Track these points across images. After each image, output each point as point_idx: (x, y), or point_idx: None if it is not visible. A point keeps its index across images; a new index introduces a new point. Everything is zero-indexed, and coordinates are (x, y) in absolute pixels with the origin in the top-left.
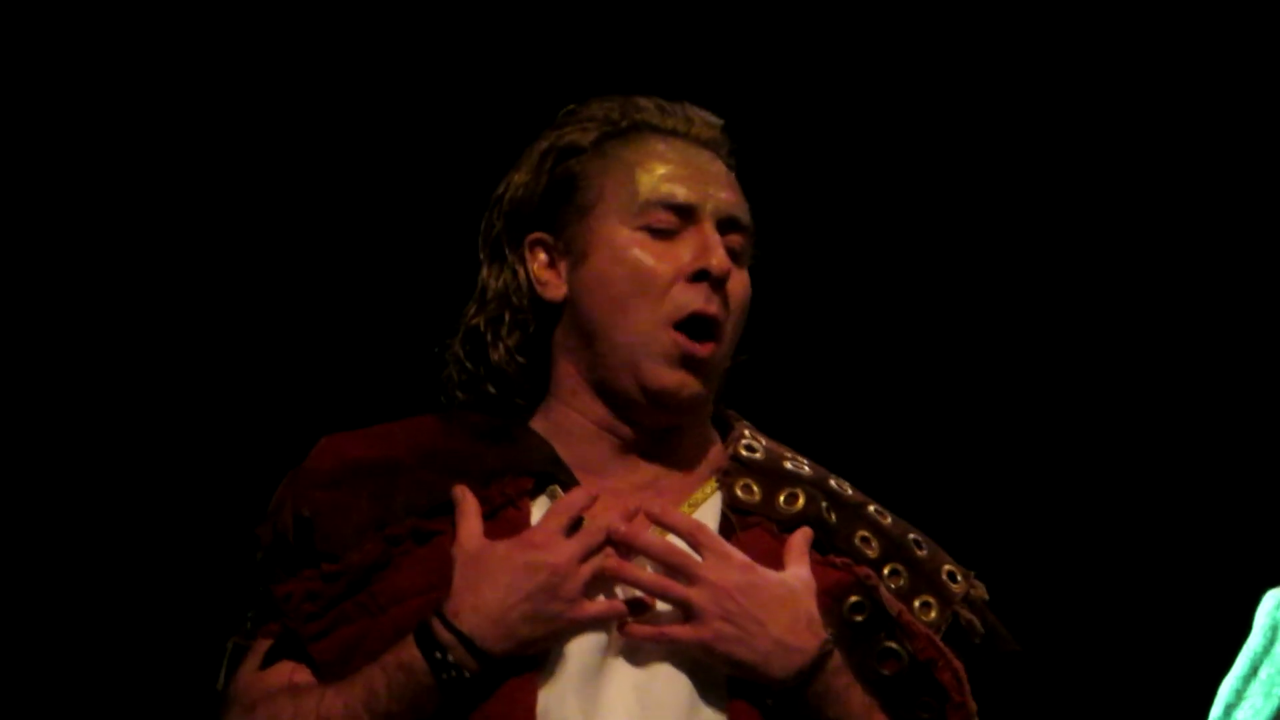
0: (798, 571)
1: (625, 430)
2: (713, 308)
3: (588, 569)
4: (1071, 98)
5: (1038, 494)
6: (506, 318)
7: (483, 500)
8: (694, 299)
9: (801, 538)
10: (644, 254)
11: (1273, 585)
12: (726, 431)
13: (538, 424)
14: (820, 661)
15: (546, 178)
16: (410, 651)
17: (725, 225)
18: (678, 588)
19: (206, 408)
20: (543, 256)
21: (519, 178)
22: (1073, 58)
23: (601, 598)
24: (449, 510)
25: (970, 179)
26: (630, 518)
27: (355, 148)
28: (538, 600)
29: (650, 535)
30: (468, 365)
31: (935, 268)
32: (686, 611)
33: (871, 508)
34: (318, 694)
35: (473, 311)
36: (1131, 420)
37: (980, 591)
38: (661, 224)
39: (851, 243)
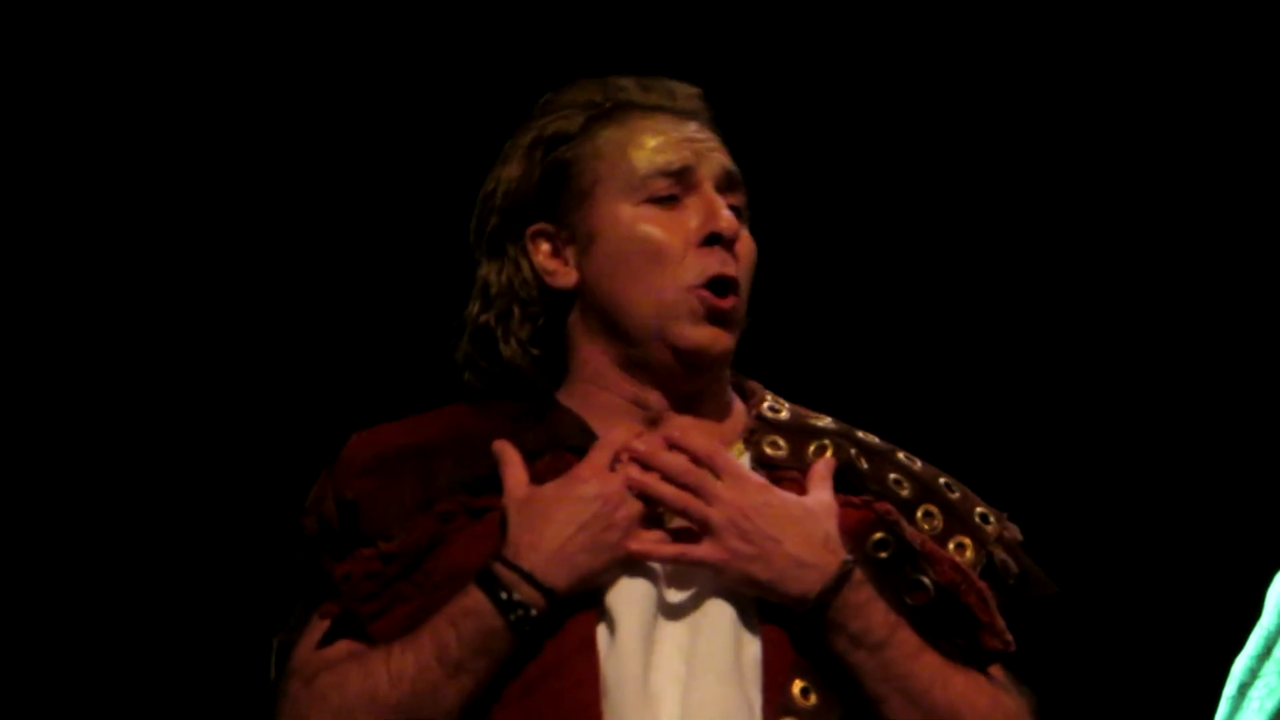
0: (819, 496)
1: (653, 400)
2: (730, 269)
3: (637, 500)
4: (1066, 75)
5: (1063, 472)
6: (515, 312)
7: (532, 478)
8: (711, 263)
9: (824, 465)
10: (652, 227)
11: None
12: (745, 397)
13: (565, 402)
14: (841, 579)
15: (539, 169)
16: (475, 596)
17: (724, 184)
18: (697, 504)
19: (221, 414)
20: (546, 246)
21: (509, 172)
22: (1069, 44)
23: (657, 531)
24: (496, 486)
25: (969, 144)
26: (647, 434)
27: (350, 146)
28: (593, 529)
29: (669, 455)
30: (481, 364)
31: (938, 232)
32: (703, 529)
33: (900, 454)
34: (384, 654)
35: (477, 310)
36: (1159, 397)
37: (1014, 533)
38: (663, 191)
39: (851, 209)
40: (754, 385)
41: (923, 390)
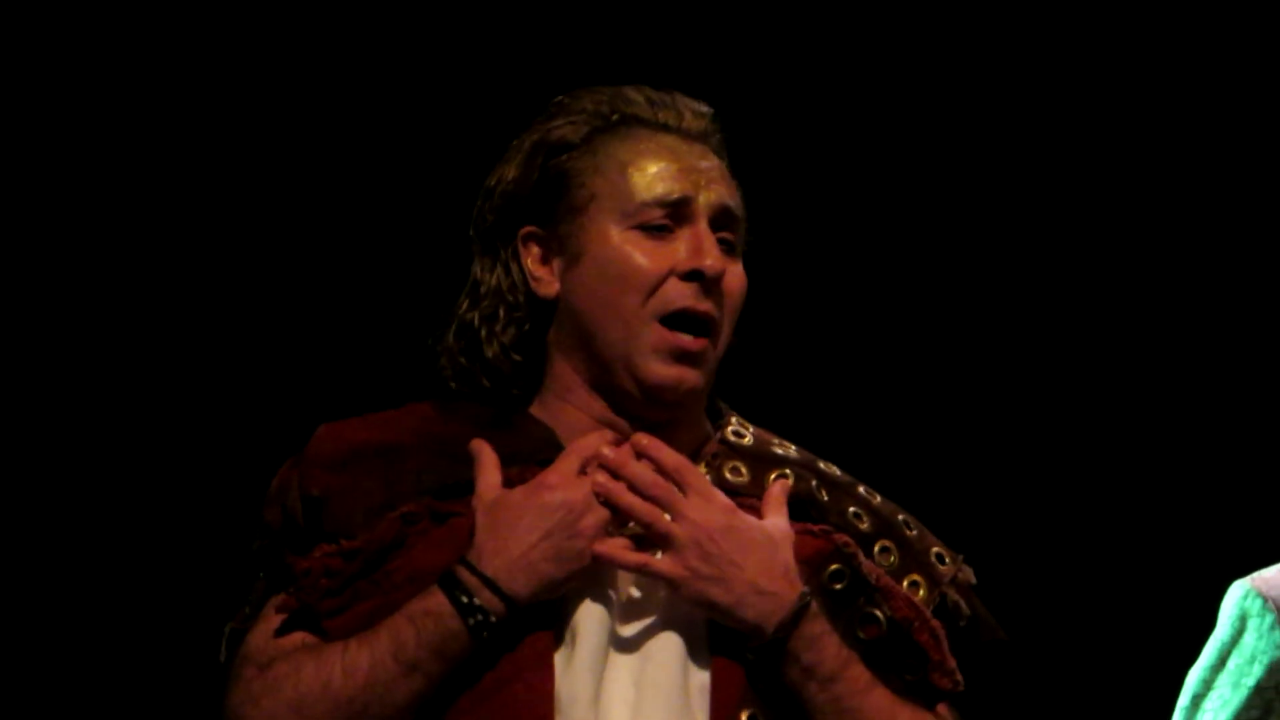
0: (777, 522)
1: (623, 424)
2: (704, 306)
3: (604, 508)
4: (1062, 84)
5: (1007, 482)
6: (501, 314)
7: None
8: (683, 296)
9: (779, 489)
10: (636, 253)
11: (1238, 576)
12: (714, 418)
13: (536, 414)
14: (799, 611)
15: (538, 173)
16: (436, 598)
17: (719, 220)
18: (661, 518)
19: (187, 402)
20: (536, 250)
21: (510, 171)
22: (1066, 45)
23: (620, 538)
24: (462, 492)
25: (956, 165)
26: (618, 444)
27: (342, 140)
28: (557, 538)
29: (638, 465)
30: (461, 361)
31: (919, 256)
32: (664, 544)
33: (861, 488)
34: (339, 648)
35: (466, 306)
36: (1100, 415)
37: (968, 575)
38: (655, 221)
39: (832, 232)
40: (721, 406)
41: (886, 425)
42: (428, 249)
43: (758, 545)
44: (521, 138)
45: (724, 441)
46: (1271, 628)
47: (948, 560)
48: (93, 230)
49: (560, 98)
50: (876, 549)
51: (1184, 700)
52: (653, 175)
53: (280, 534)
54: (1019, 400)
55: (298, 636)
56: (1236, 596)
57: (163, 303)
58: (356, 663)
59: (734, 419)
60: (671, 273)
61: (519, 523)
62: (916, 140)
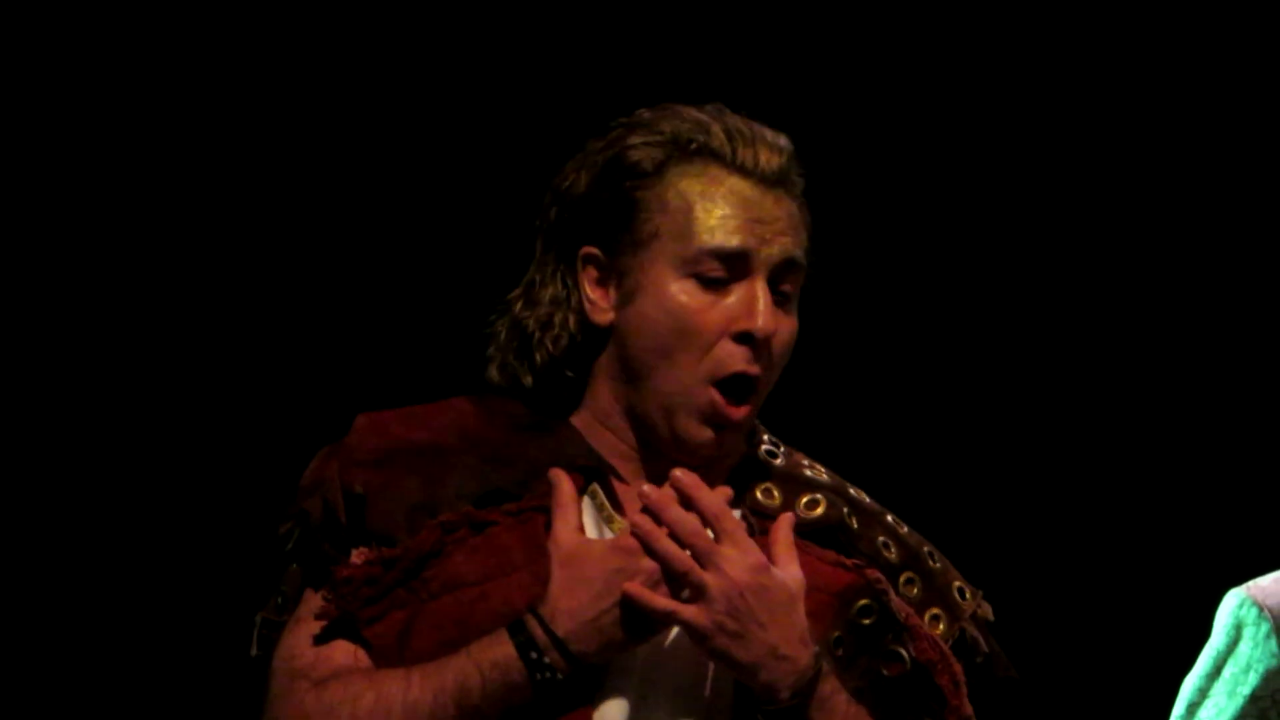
0: (794, 572)
1: (656, 455)
2: (754, 369)
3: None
4: (1060, 94)
5: (995, 499)
6: (556, 323)
7: (537, 495)
8: (736, 359)
9: (786, 529)
10: (691, 304)
11: (1232, 585)
12: (750, 437)
13: (576, 425)
14: (815, 676)
15: (607, 195)
16: (505, 649)
17: (778, 272)
18: (697, 570)
19: (208, 396)
20: (594, 273)
21: (582, 181)
22: (1066, 53)
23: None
24: (499, 499)
25: (961, 187)
26: (659, 490)
27: (359, 136)
28: (631, 603)
29: (678, 511)
30: (510, 360)
31: (927, 283)
32: (696, 594)
33: (889, 517)
34: (403, 680)
35: (521, 304)
36: (1091, 424)
37: (986, 611)
38: (712, 273)
39: (847, 255)
40: (758, 426)
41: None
42: (455, 240)
43: (782, 608)
44: (597, 144)
45: (756, 460)
46: (1267, 636)
47: (968, 595)
48: (106, 225)
49: (643, 111)
50: (901, 580)
51: (1179, 709)
52: (717, 223)
53: (321, 527)
54: (1014, 409)
55: (344, 648)
56: (1232, 605)
57: (173, 296)
58: (419, 701)
59: (766, 436)
60: (724, 330)
61: (595, 584)
62: (918, 157)
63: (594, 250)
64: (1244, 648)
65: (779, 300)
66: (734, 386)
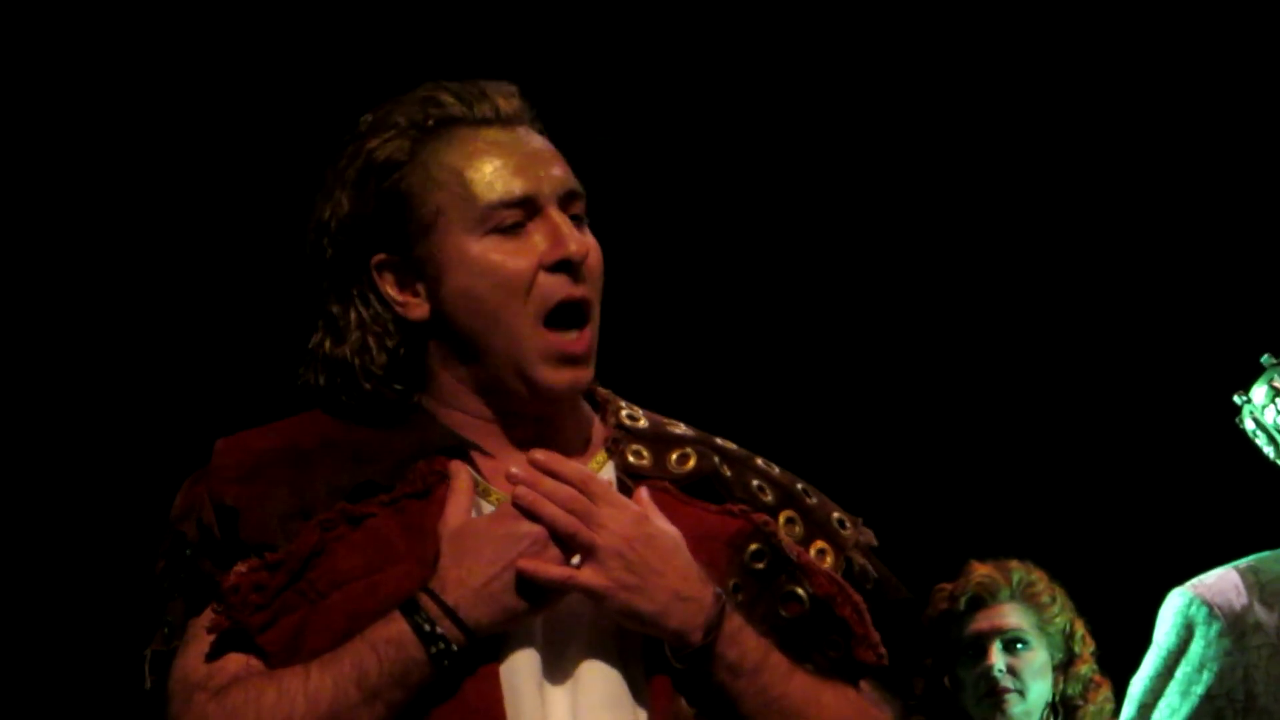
0: (665, 526)
1: (511, 420)
2: (579, 291)
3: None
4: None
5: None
6: (372, 344)
7: (409, 482)
8: (558, 288)
9: (645, 494)
10: (499, 256)
11: (1175, 584)
12: (597, 405)
13: (431, 411)
14: (720, 612)
15: (374, 200)
16: (398, 625)
17: (565, 200)
18: (585, 530)
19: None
20: (391, 278)
21: (342, 202)
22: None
23: (575, 560)
24: (372, 491)
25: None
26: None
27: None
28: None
29: (551, 481)
30: (343, 400)
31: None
32: (587, 555)
33: (759, 460)
34: (302, 673)
35: (329, 344)
36: (1039, 411)
37: (869, 537)
38: (508, 221)
39: (692, 209)
40: (605, 393)
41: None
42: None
43: (673, 553)
44: (338, 164)
45: (620, 427)
46: (1220, 635)
47: (849, 525)
48: None
49: (366, 116)
50: (782, 519)
51: (1129, 710)
52: (490, 176)
53: (198, 548)
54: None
55: (238, 658)
56: (1179, 605)
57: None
58: (320, 690)
59: (623, 404)
60: (539, 267)
61: (482, 553)
62: (769, 113)
63: (384, 256)
64: (1196, 647)
65: (575, 223)
66: (565, 315)
